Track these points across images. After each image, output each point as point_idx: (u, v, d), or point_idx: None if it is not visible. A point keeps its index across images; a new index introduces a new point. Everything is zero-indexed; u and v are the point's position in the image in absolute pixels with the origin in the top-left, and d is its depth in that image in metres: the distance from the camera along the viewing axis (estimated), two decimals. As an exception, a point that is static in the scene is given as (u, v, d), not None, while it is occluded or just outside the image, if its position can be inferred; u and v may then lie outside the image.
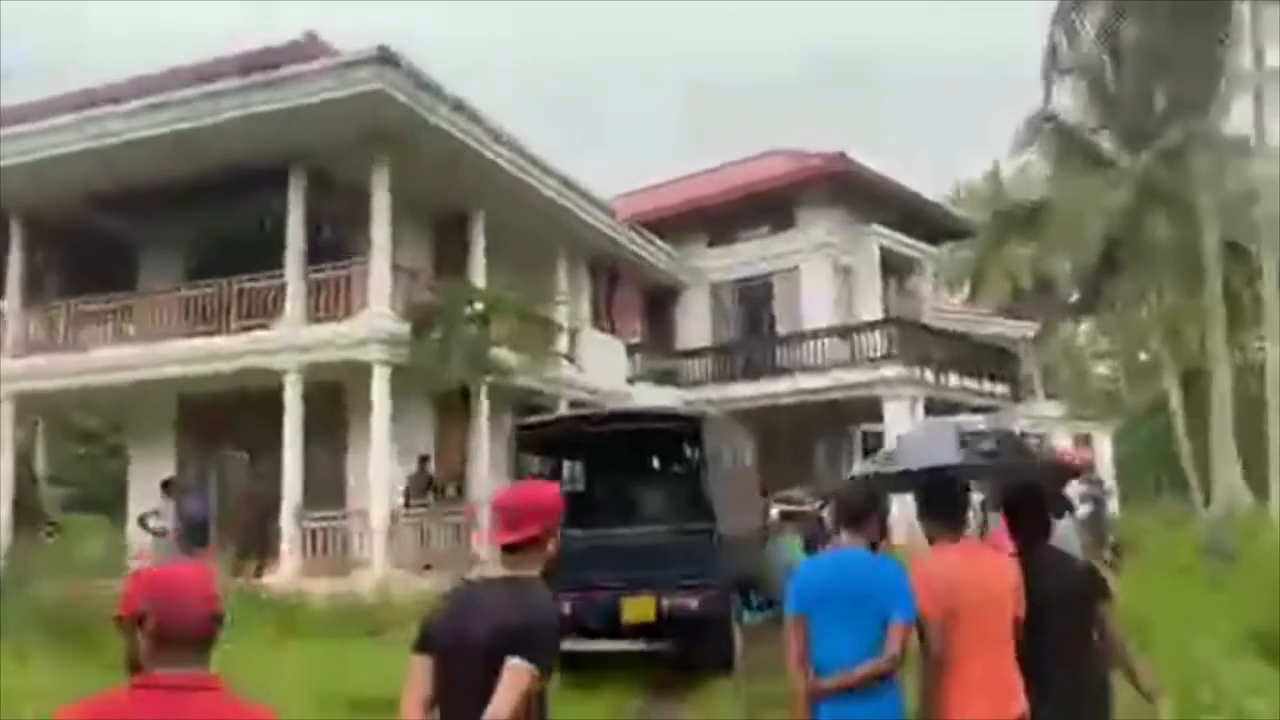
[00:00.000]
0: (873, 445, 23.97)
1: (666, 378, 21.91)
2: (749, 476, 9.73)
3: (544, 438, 8.33)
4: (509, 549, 2.50)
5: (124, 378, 14.38)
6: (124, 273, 16.55)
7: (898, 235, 22.78)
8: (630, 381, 20.66)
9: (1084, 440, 24.13)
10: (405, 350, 13.36)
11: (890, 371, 18.81)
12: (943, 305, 28.45)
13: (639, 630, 7.89)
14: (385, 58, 12.00)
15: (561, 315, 18.28)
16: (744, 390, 20.68)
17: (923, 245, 24.09)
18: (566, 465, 9.29)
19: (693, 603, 7.55)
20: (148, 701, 1.72)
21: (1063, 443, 20.93)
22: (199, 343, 13.96)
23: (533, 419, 8.43)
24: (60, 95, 13.34)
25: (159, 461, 15.63)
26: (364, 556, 12.93)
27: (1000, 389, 21.96)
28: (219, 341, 13.83)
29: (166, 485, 13.59)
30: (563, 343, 18.19)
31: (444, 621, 2.52)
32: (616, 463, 9.69)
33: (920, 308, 23.55)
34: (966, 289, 38.35)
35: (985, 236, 23.69)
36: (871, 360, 19.20)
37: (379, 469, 12.98)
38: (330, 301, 13.61)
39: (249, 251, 14.98)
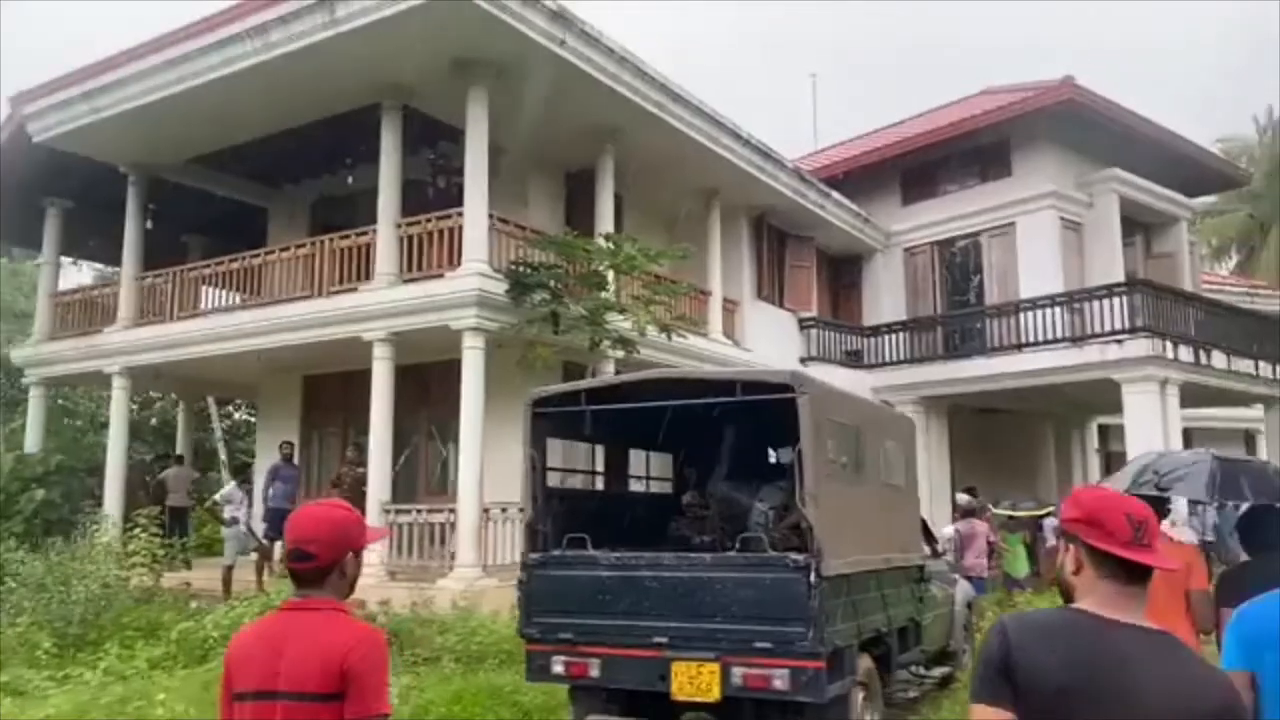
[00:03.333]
0: (1112, 445, 19.76)
1: (850, 358, 18.75)
2: (900, 483, 6.75)
3: (565, 414, 5.77)
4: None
5: (225, 349, 13.15)
6: (238, 234, 15.55)
7: (1144, 183, 18.37)
8: (804, 362, 17.69)
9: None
10: (507, 316, 11.23)
11: (1133, 349, 14.76)
12: (1204, 275, 23.35)
13: (698, 712, 5.22)
14: (462, -45, 9.81)
15: (714, 280, 15.66)
16: (945, 373, 17.23)
17: (1178, 197, 19.44)
18: (596, 452, 6.75)
19: (779, 676, 4.80)
20: (281, 619, 2.35)
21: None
22: (292, 309, 12.44)
23: (552, 387, 5.89)
24: (148, 39, 12.17)
25: (284, 438, 14.40)
26: (449, 560, 10.90)
27: (1282, 374, 17.19)
28: (308, 307, 12.25)
29: (240, 474, 12.19)
30: (715, 313, 15.55)
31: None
32: (667, 452, 7.10)
33: (1175, 274, 18.95)
34: (1234, 256, 32.22)
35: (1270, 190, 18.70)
36: (1109, 335, 15.19)
37: (469, 458, 10.90)
38: (423, 259, 11.68)
39: (356, 205, 13.49)
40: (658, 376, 5.74)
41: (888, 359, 18.29)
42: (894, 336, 18.51)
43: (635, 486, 7.47)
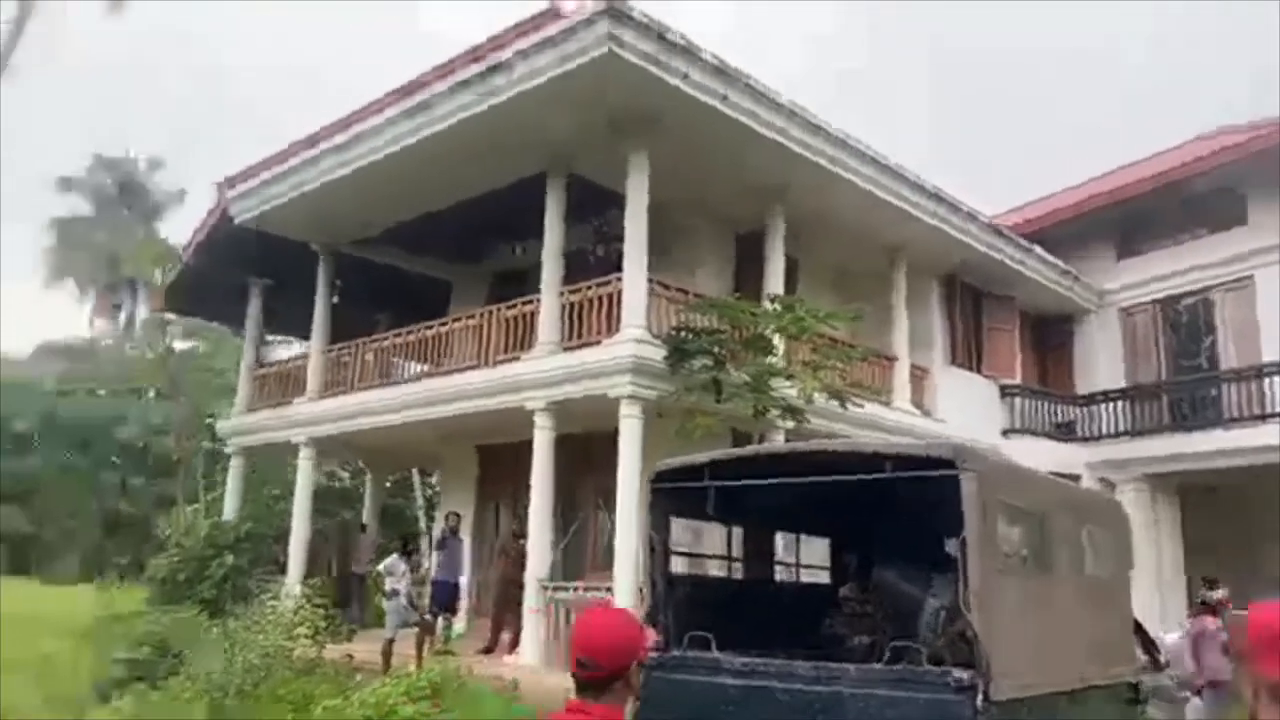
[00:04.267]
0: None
1: (1061, 430, 16.93)
2: (1104, 579, 5.51)
3: (691, 490, 4.99)
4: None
5: (401, 418, 13.28)
6: (424, 308, 15.89)
7: None
8: (1006, 434, 16.10)
9: None
10: (666, 384, 10.67)
11: None
12: None
13: None
14: (614, 13, 9.55)
15: (900, 344, 14.51)
16: (1172, 447, 15.22)
17: None
18: (720, 535, 5.88)
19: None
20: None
21: None
22: (461, 379, 12.42)
23: (674, 460, 5.16)
24: (328, 123, 12.75)
25: (462, 508, 14.41)
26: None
27: None
28: (477, 376, 12.17)
29: (405, 545, 12.13)
30: (901, 380, 14.37)
31: None
32: (821, 535, 6.14)
33: None
34: None
35: None
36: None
37: (625, 532, 10.30)
38: (583, 327, 11.35)
39: (529, 275, 13.46)
40: (793, 450, 4.95)
41: (1105, 431, 16.36)
42: (1112, 406, 16.58)
43: (783, 575, 6.59)
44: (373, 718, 8.47)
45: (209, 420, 21.63)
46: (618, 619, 2.38)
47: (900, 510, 5.34)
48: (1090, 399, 17.07)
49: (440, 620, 11.90)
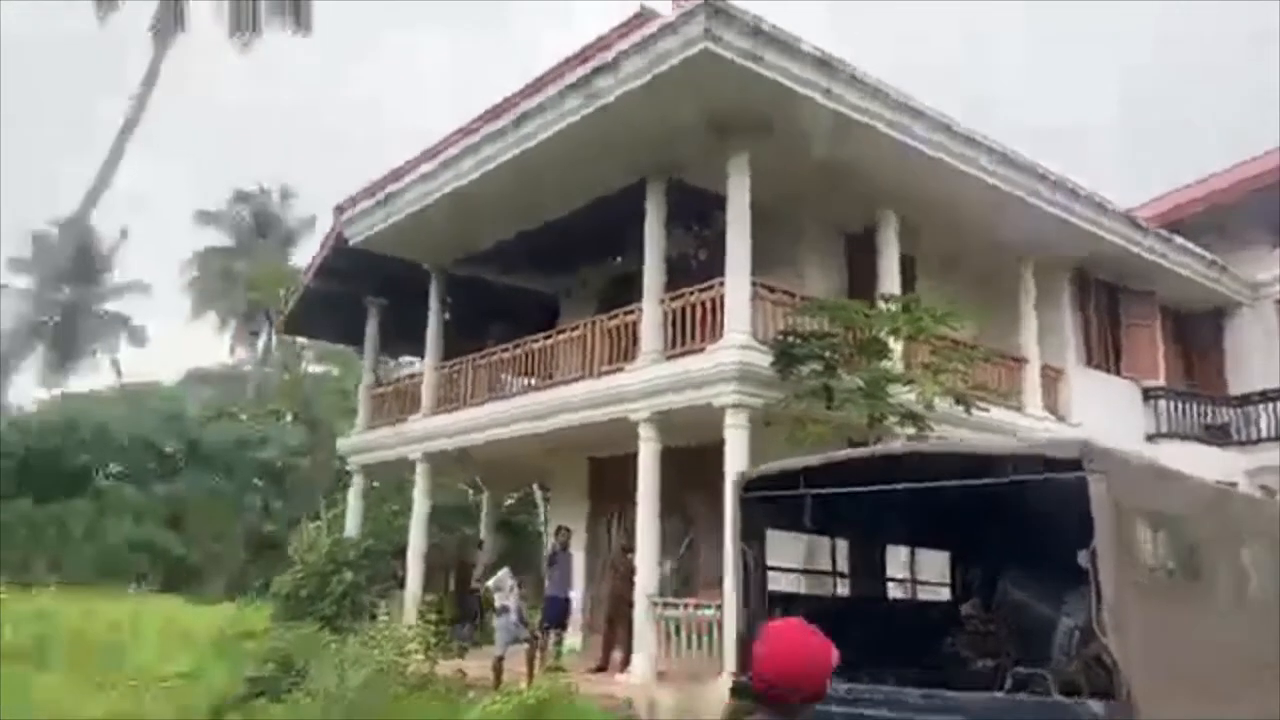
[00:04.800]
0: None
1: (1213, 434, 15.59)
2: (1274, 599, 4.80)
3: (787, 499, 4.55)
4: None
5: (510, 431, 13.26)
6: (535, 322, 15.90)
7: None
8: (1150, 439, 14.93)
9: None
10: (774, 392, 10.24)
11: None
12: None
13: None
14: (711, 8, 9.25)
15: (1029, 345, 13.63)
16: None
17: None
18: (819, 547, 5.38)
19: None
20: None
21: None
22: (566, 391, 12.29)
23: (768, 466, 4.74)
24: (430, 145, 12.93)
25: (573, 522, 14.31)
26: (719, 662, 9.85)
27: None
28: (582, 388, 12.01)
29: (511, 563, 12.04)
30: (1032, 383, 13.49)
31: None
32: (939, 549, 5.59)
33: None
34: None
35: None
36: None
37: (730, 548, 9.87)
38: (686, 335, 11.04)
39: (634, 285, 13.26)
40: (897, 452, 4.50)
41: (1264, 434, 14.95)
42: (1272, 406, 15.14)
43: (898, 592, 6.07)
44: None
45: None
46: (814, 641, 2.22)
47: (1026, 518, 4.79)
48: (1246, 399, 15.69)
49: (552, 636, 11.73)
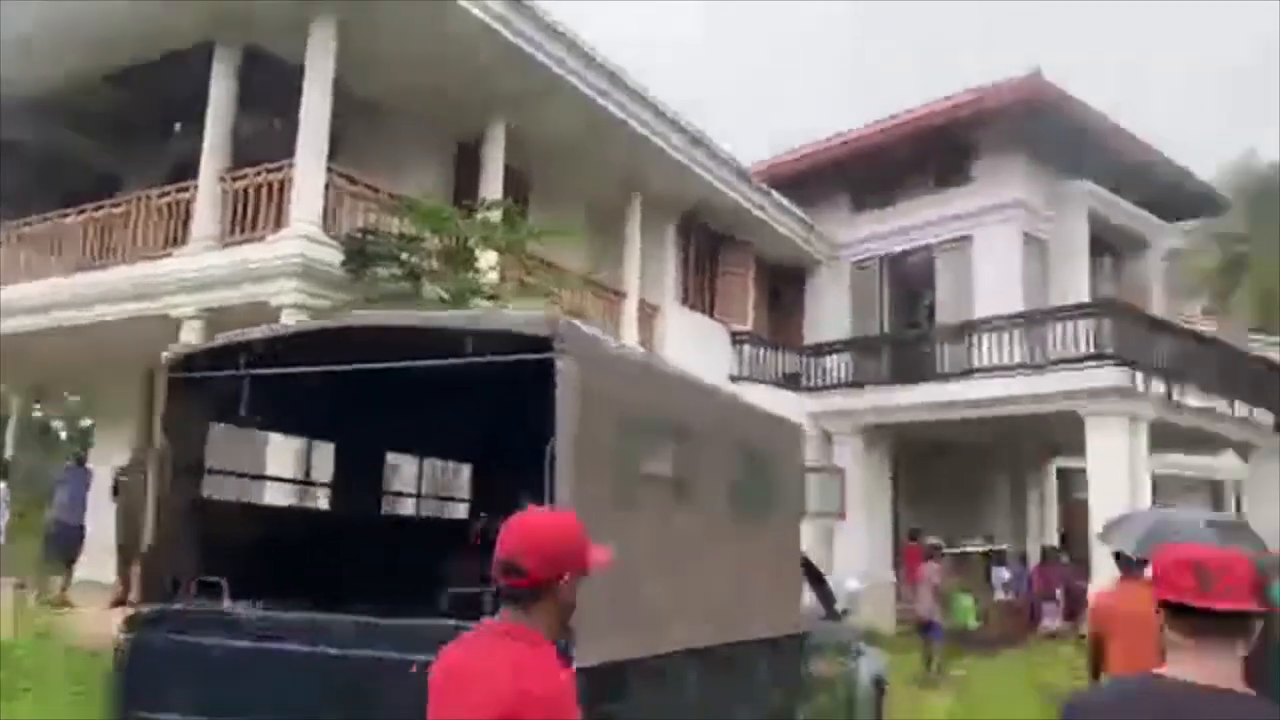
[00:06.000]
0: (1075, 487, 17.86)
1: (788, 380, 16.75)
2: (766, 516, 4.63)
3: (221, 384, 3.59)
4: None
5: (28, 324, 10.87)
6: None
7: (1117, 199, 16.66)
8: (734, 379, 15.68)
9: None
10: (345, 294, 9.10)
11: (1100, 378, 12.89)
12: (1180, 311, 21.68)
13: None
14: None
15: (630, 280, 13.64)
16: (890, 399, 15.26)
17: (1153, 218, 17.75)
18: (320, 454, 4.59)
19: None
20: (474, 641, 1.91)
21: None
22: (89, 278, 10.23)
23: (203, 344, 3.78)
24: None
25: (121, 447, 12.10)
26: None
27: (1261, 416, 15.42)
28: (107, 277, 10.04)
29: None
30: (629, 317, 13.52)
31: None
32: (440, 457, 5.01)
33: (1145, 303, 17.21)
34: (1205, 296, 30.77)
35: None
36: (1073, 362, 13.31)
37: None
38: (247, 221, 9.54)
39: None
40: (346, 324, 3.67)
41: (828, 382, 16.31)
42: (836, 358, 16.55)
43: (404, 507, 5.33)
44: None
45: None
46: (556, 521, 2.04)
47: (503, 410, 4.13)
48: (816, 349, 17.03)
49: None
